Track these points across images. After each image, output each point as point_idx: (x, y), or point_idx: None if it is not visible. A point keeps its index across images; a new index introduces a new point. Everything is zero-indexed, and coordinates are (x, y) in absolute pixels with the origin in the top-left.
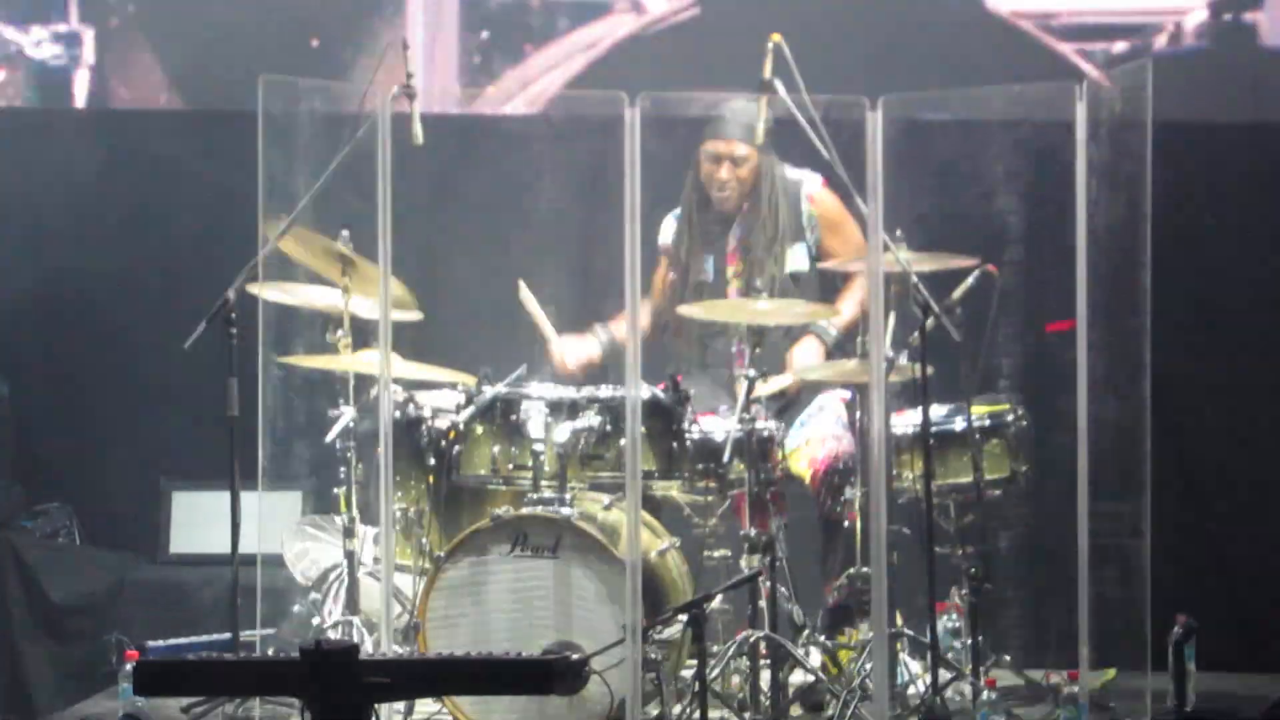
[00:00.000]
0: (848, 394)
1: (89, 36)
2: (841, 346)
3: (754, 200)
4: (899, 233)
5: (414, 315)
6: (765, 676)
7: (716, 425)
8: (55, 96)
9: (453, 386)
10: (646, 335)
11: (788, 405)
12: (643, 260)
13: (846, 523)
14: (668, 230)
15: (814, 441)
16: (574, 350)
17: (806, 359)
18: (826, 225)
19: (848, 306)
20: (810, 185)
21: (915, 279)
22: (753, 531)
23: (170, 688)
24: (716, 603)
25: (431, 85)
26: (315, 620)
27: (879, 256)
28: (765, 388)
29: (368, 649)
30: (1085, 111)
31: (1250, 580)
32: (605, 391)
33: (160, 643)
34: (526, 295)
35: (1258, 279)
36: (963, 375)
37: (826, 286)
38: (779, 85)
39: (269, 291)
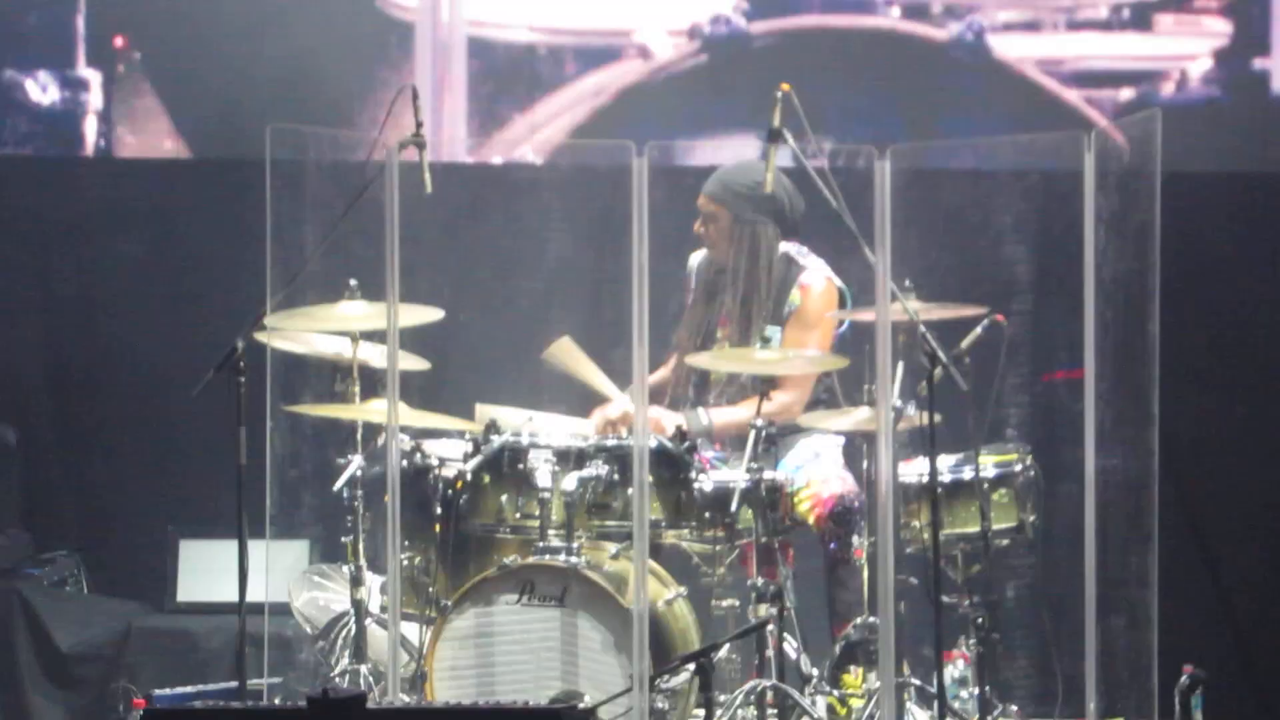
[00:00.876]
0: (841, 439)
1: (96, 83)
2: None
3: (746, 263)
4: (907, 282)
5: (422, 364)
6: None
7: (725, 474)
8: (63, 143)
9: (460, 435)
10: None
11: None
12: (652, 305)
13: (853, 562)
14: (693, 262)
15: (816, 483)
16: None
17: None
18: (798, 320)
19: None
20: (809, 275)
21: (923, 328)
22: (760, 581)
23: None
24: (724, 652)
25: (440, 133)
26: (322, 669)
27: (886, 305)
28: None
29: (375, 698)
30: (1094, 161)
31: (1258, 631)
32: (612, 440)
33: (167, 691)
34: (569, 349)
35: (1266, 328)
36: (970, 425)
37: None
38: (788, 134)
39: (277, 340)
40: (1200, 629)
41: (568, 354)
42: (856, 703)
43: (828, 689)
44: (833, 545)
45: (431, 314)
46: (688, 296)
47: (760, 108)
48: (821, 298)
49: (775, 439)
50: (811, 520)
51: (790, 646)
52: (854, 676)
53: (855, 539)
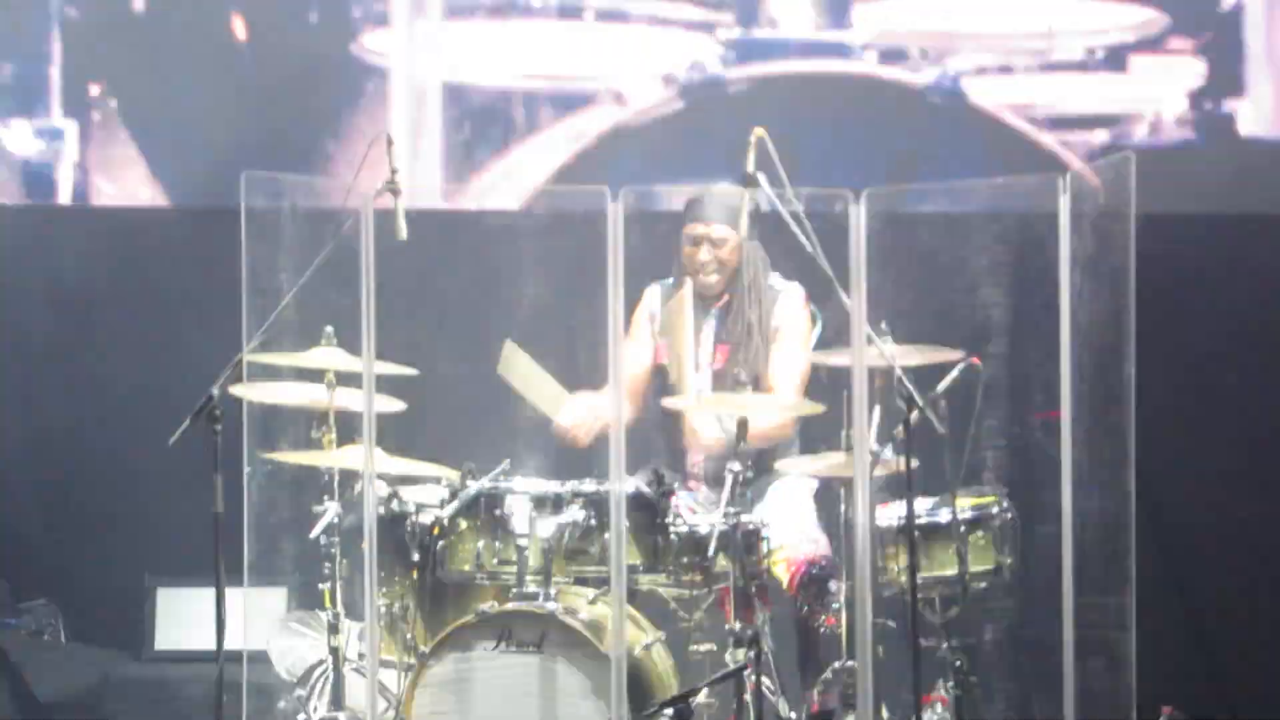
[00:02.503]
0: (815, 483)
1: (72, 132)
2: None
3: (735, 290)
4: (883, 325)
5: (397, 405)
6: None
7: (701, 519)
8: (38, 192)
9: (436, 481)
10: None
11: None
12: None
13: (823, 629)
14: (652, 297)
15: (789, 545)
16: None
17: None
18: (785, 334)
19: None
20: (785, 299)
21: (899, 372)
22: (738, 625)
23: None
24: (702, 697)
25: (415, 178)
26: (300, 717)
27: (862, 349)
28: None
29: None
30: (1069, 203)
31: (1236, 672)
32: (589, 485)
33: None
34: (513, 354)
35: (1242, 370)
36: (947, 468)
37: None
38: (762, 178)
39: (253, 392)
40: (1179, 670)
41: (512, 365)
42: None
43: None
44: (805, 607)
45: (405, 370)
46: (647, 331)
47: (736, 153)
48: (802, 316)
49: (750, 482)
50: (784, 583)
51: (768, 690)
52: None
53: (824, 605)
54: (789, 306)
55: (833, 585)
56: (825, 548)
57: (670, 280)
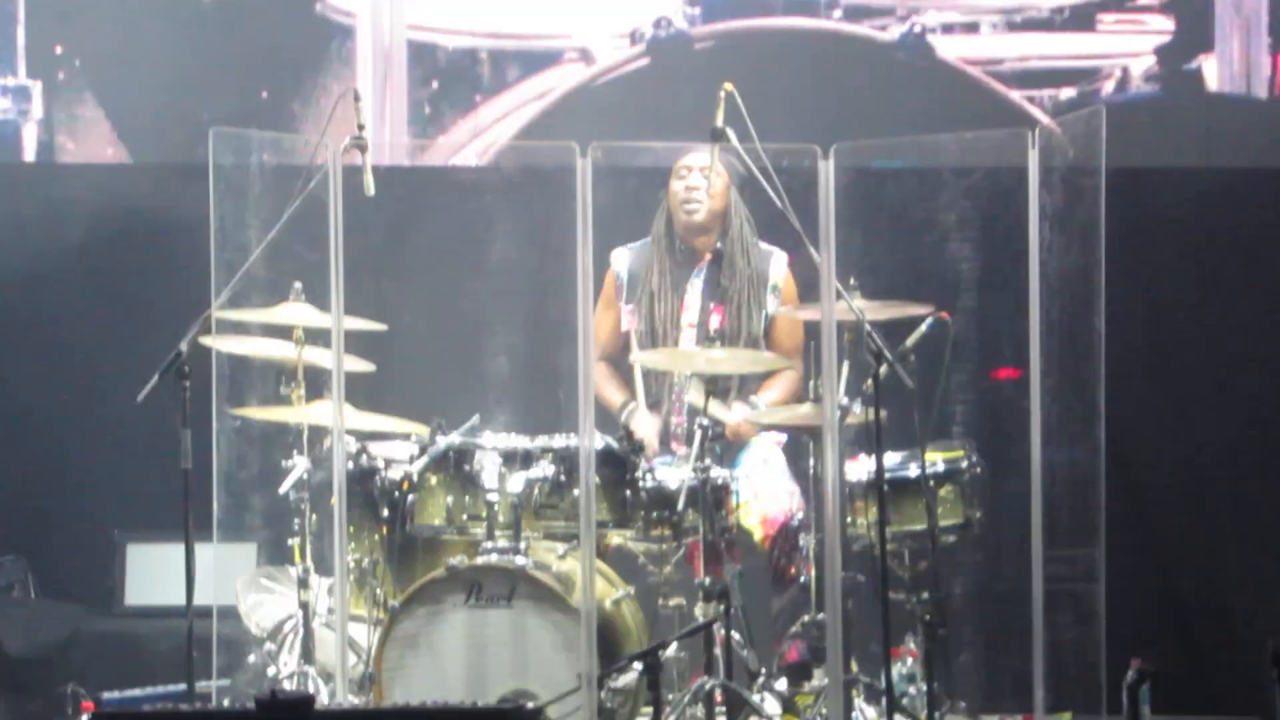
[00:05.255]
0: (783, 438)
1: (37, 91)
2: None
3: (725, 242)
4: (852, 280)
5: (367, 366)
6: None
7: (670, 474)
8: (4, 150)
9: (406, 437)
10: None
11: (725, 448)
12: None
13: (803, 578)
14: (620, 260)
15: (765, 497)
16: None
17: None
18: (788, 302)
19: (766, 398)
20: (779, 261)
21: (868, 327)
22: (707, 579)
23: None
24: (671, 650)
25: (382, 136)
26: (271, 671)
27: (831, 304)
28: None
29: (323, 700)
30: (1038, 158)
31: (1205, 624)
32: (559, 441)
33: (116, 694)
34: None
35: (1211, 323)
36: (916, 422)
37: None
38: (731, 134)
39: (222, 343)
40: (1147, 623)
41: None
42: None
43: (776, 688)
44: (781, 560)
45: (374, 325)
46: (618, 296)
47: (703, 110)
48: (793, 284)
49: (721, 437)
50: (758, 536)
51: (737, 644)
52: (806, 693)
53: (799, 557)
54: (783, 267)
55: (803, 538)
56: (800, 501)
57: (638, 243)
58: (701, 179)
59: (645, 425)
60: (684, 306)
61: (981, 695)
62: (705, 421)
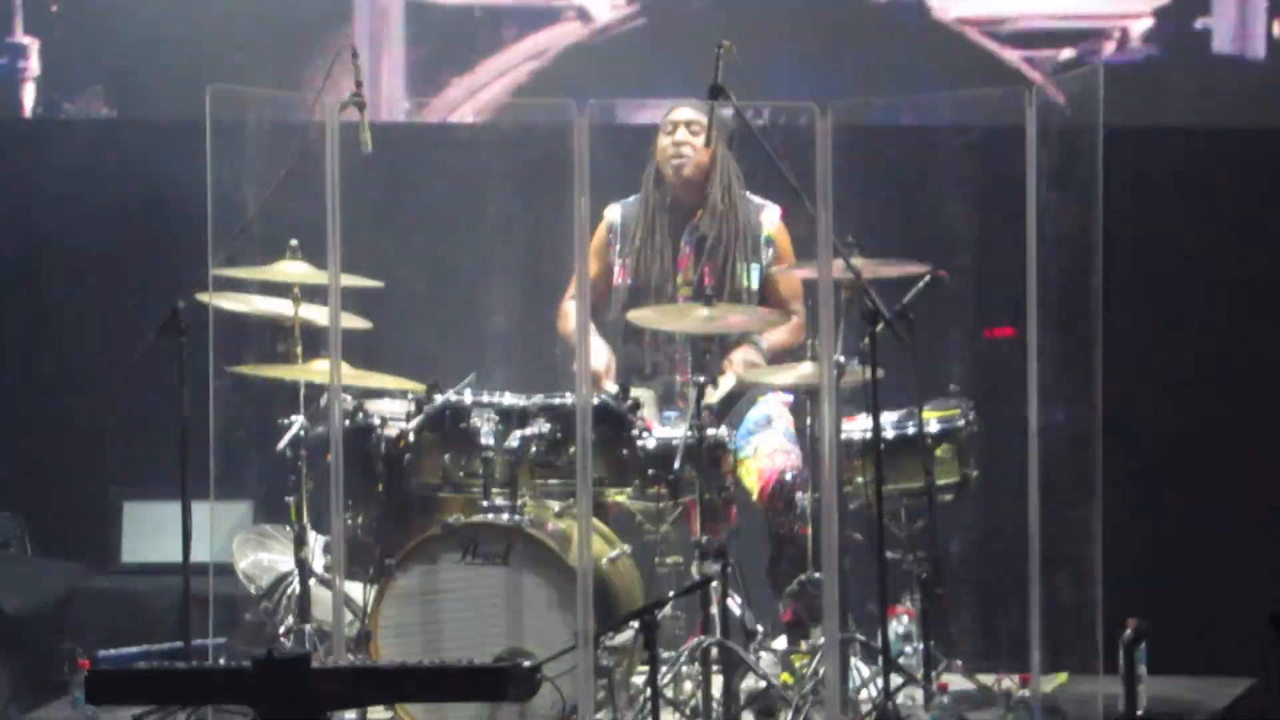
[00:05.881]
0: (789, 398)
1: (34, 48)
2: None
3: (711, 197)
4: (849, 238)
5: (363, 324)
6: (717, 683)
7: (667, 432)
8: (3, 108)
9: (403, 395)
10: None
11: (730, 405)
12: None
13: (792, 540)
14: (614, 213)
15: (762, 454)
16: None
17: (746, 360)
18: (782, 256)
19: (769, 338)
20: (771, 213)
21: (865, 284)
22: (704, 538)
23: (122, 697)
24: (668, 609)
25: (378, 94)
26: (267, 629)
27: (829, 262)
28: (714, 394)
29: (320, 657)
30: (1035, 117)
31: (1202, 584)
32: (555, 399)
33: (112, 652)
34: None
35: (1209, 283)
36: (913, 380)
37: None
38: (729, 91)
39: (219, 300)
40: (1144, 582)
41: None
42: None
43: (772, 647)
44: (777, 518)
45: (371, 283)
46: (611, 251)
47: (700, 68)
48: (786, 235)
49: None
50: (755, 494)
51: (734, 603)
52: (802, 652)
53: (795, 515)
54: (776, 221)
55: (800, 496)
56: (797, 458)
57: (631, 199)
58: (688, 134)
59: (598, 356)
60: (681, 264)
61: (978, 654)
62: (700, 379)
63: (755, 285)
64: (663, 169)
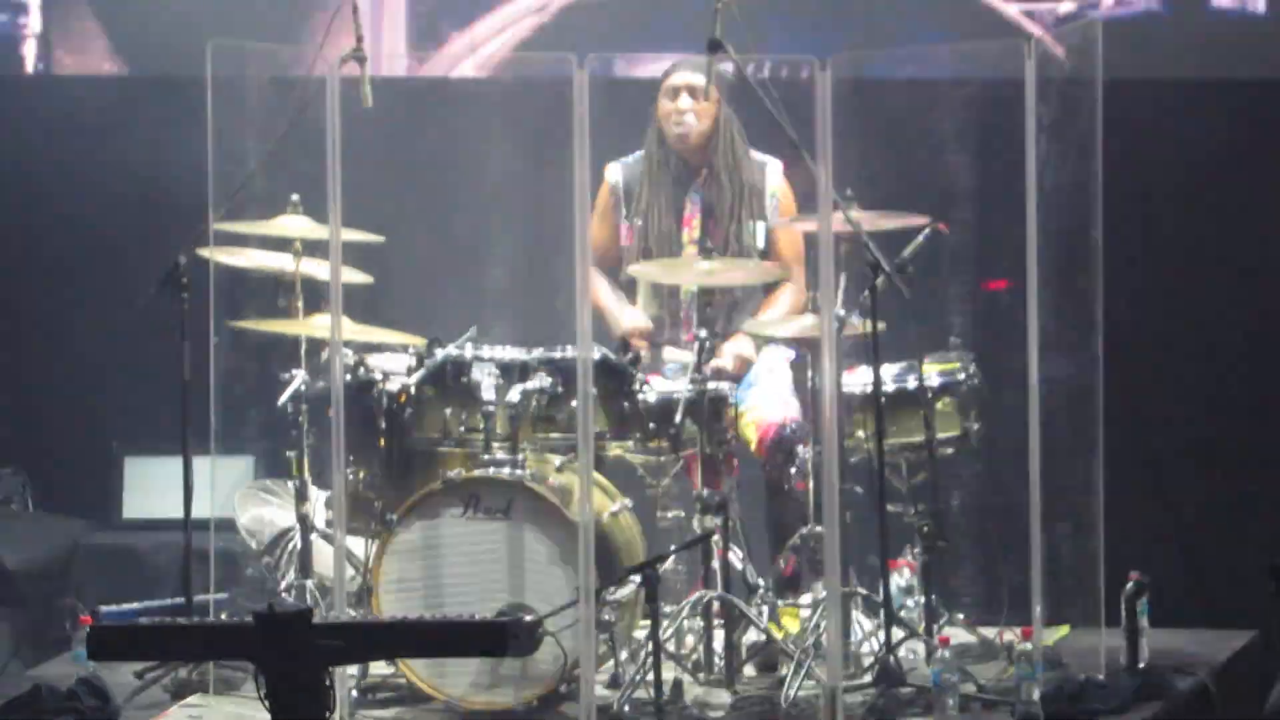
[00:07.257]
0: (792, 354)
1: (35, 4)
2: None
3: (715, 158)
4: (849, 191)
5: (364, 278)
6: (719, 637)
7: (668, 386)
8: (3, 64)
9: (404, 349)
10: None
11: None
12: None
13: (792, 493)
14: (615, 173)
15: (761, 407)
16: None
17: (739, 350)
18: (785, 212)
19: (772, 313)
20: (774, 169)
21: (865, 237)
22: (705, 492)
23: (124, 652)
24: (670, 564)
25: (379, 49)
26: (268, 584)
27: (829, 215)
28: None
29: (321, 612)
30: (1035, 69)
31: (1203, 536)
32: (556, 353)
33: (114, 607)
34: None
35: (1208, 237)
36: (913, 333)
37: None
38: (728, 45)
39: (220, 255)
40: (1145, 535)
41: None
42: (794, 621)
43: (774, 600)
44: (774, 470)
45: (372, 237)
46: (616, 213)
47: (700, 23)
48: (790, 192)
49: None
50: (753, 445)
51: (735, 557)
52: (793, 607)
53: (794, 469)
54: (778, 177)
55: (801, 449)
56: (796, 411)
57: (631, 158)
58: (690, 99)
59: (636, 318)
60: (686, 223)
61: (979, 608)
62: (703, 334)
63: (761, 243)
64: (665, 130)
